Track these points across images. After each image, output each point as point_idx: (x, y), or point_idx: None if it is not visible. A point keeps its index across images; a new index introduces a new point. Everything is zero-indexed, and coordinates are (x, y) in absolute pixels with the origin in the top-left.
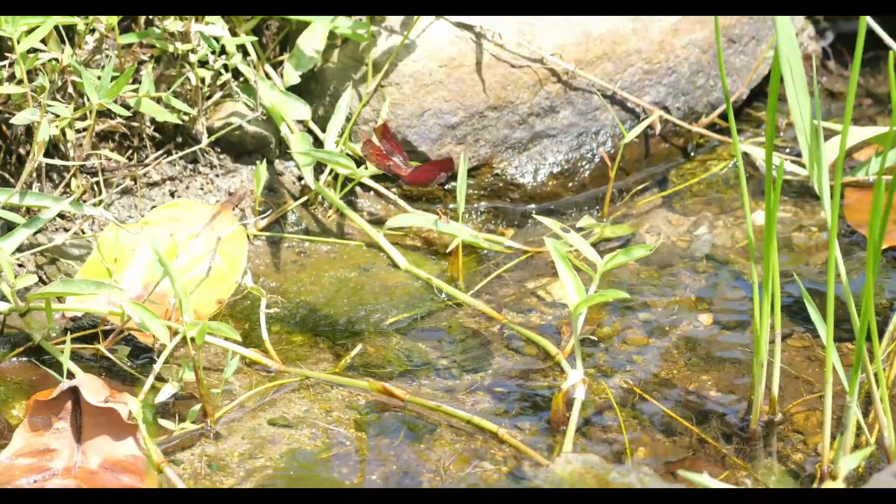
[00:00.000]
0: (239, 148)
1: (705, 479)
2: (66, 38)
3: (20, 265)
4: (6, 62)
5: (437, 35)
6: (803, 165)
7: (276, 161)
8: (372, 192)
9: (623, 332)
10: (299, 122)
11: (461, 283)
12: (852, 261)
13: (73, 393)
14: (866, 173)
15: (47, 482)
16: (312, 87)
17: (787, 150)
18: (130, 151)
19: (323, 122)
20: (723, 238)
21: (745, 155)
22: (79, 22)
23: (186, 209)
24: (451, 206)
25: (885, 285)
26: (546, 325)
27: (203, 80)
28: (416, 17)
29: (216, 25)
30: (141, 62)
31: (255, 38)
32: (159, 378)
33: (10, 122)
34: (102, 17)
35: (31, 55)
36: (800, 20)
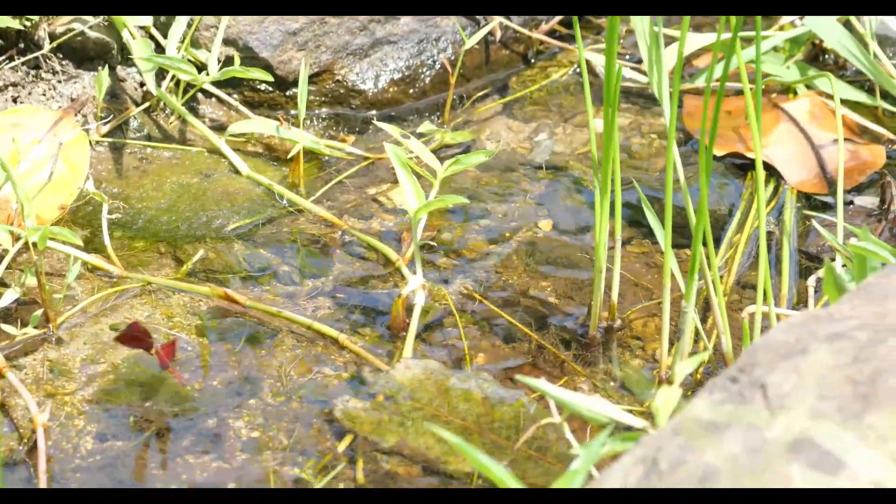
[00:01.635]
0: (81, 54)
1: (543, 385)
2: None
3: None
4: None
5: None
6: (643, 72)
7: (119, 67)
8: (214, 99)
9: (464, 238)
10: (141, 28)
11: (302, 189)
12: (691, 167)
13: None
14: (706, 80)
15: None
16: None
17: (628, 58)
18: None
19: (165, 29)
20: (563, 145)
21: (586, 62)
22: None
23: (28, 115)
24: (293, 112)
25: (725, 192)
26: (387, 232)
27: None
28: None
29: None
30: None
31: None
32: (1, 284)
33: None
34: None
35: None
36: None
